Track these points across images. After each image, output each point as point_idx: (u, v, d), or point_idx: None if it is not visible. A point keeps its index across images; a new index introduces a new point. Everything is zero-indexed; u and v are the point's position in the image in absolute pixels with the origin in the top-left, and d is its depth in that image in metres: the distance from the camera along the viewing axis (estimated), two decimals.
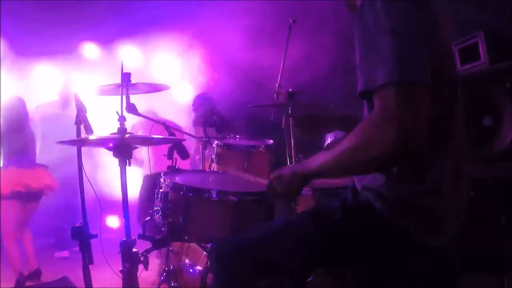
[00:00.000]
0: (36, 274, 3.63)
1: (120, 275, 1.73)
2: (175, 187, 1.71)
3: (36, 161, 3.85)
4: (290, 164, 2.62)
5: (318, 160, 1.23)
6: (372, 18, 1.09)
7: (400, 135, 0.99)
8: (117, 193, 1.83)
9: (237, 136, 2.81)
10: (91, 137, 1.79)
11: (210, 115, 2.69)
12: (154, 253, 2.02)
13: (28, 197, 3.60)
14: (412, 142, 1.00)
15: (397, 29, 1.04)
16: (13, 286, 3.38)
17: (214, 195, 1.66)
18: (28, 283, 3.46)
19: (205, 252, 2.18)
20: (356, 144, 1.07)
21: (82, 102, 1.85)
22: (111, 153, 1.77)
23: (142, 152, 3.71)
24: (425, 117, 1.01)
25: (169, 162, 2.16)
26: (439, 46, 1.15)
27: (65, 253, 4.42)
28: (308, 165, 1.27)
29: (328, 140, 3.28)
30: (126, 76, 1.95)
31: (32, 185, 3.58)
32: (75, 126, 1.85)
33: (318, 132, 1.87)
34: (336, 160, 1.15)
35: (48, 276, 3.58)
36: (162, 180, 1.79)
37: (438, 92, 1.09)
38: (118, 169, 1.76)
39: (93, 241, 1.78)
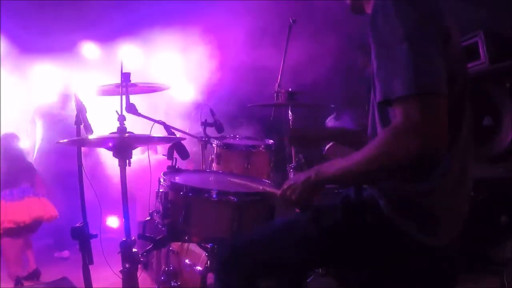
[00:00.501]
0: (35, 274, 3.62)
1: (120, 275, 1.73)
2: (175, 187, 1.70)
3: (34, 191, 3.74)
4: (289, 164, 2.62)
5: (336, 166, 1.22)
6: (386, 27, 1.09)
7: (425, 142, 1.02)
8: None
9: (237, 136, 2.81)
10: (90, 137, 1.79)
11: (211, 115, 2.68)
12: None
13: (22, 230, 3.52)
14: (436, 147, 1.02)
15: (412, 37, 1.05)
16: (12, 286, 3.38)
17: (214, 195, 1.65)
18: (27, 284, 3.45)
19: (205, 252, 2.18)
20: (381, 151, 1.08)
21: (82, 102, 1.85)
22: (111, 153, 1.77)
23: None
24: (446, 122, 1.04)
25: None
26: (453, 47, 1.15)
27: (65, 253, 4.42)
28: (324, 171, 1.26)
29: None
30: (125, 76, 1.94)
31: (21, 219, 3.49)
32: (75, 126, 1.84)
33: (316, 148, 1.86)
34: (357, 167, 1.14)
35: (48, 276, 3.57)
36: (162, 180, 1.79)
37: (450, 93, 1.09)
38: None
39: (93, 241, 1.77)
